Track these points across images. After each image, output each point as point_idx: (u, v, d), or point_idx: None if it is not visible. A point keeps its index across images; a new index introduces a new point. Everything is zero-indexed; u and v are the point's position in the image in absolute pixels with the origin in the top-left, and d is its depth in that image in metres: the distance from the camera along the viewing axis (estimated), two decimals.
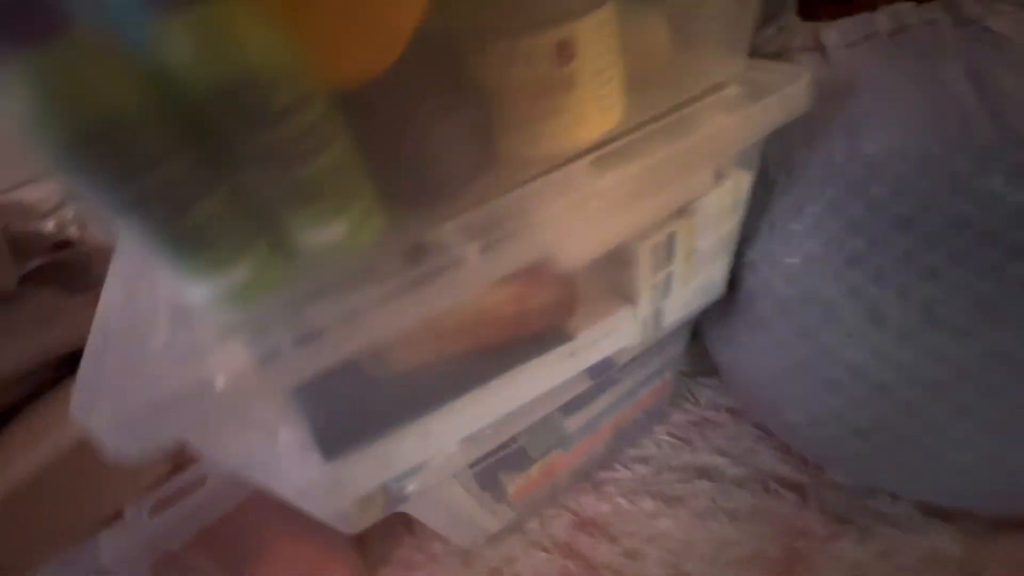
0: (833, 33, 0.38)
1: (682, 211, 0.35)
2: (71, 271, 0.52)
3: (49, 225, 0.52)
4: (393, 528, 0.69)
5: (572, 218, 0.28)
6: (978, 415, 0.39)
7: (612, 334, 0.38)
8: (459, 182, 0.29)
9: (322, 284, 0.26)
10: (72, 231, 0.54)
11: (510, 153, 0.30)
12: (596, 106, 0.29)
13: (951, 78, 0.32)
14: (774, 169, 0.40)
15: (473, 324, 0.30)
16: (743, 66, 0.35)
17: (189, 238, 0.21)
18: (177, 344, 0.24)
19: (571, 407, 0.52)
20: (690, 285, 0.41)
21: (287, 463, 0.30)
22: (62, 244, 0.52)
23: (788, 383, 0.47)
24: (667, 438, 0.73)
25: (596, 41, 0.27)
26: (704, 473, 0.68)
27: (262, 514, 0.47)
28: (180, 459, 0.42)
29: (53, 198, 0.55)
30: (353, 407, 0.30)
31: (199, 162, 0.20)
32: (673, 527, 0.63)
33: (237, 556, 0.45)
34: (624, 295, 0.38)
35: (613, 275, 0.37)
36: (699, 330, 0.78)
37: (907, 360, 0.39)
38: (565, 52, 0.26)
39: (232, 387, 0.22)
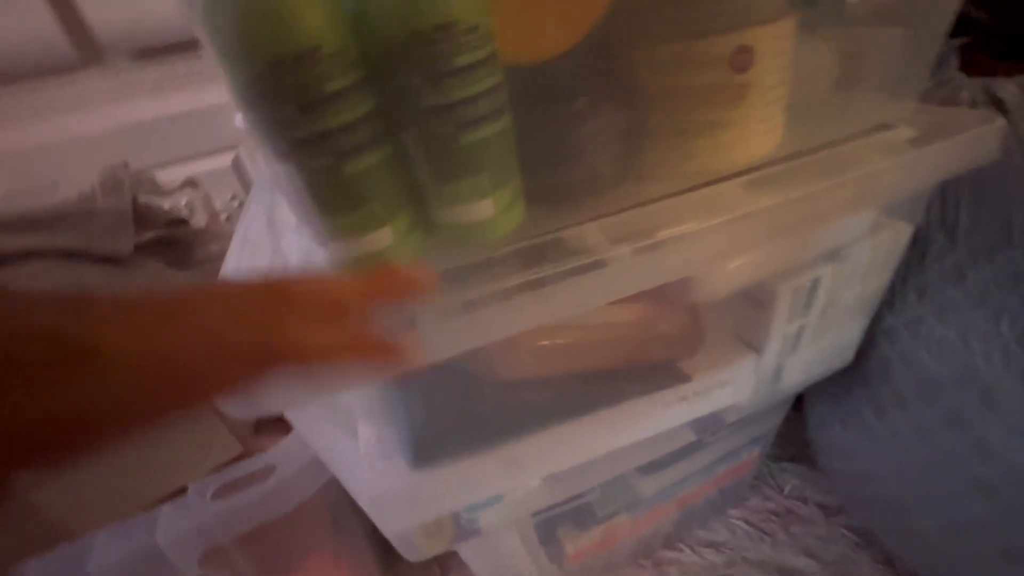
0: (1011, 87, 0.35)
1: (832, 256, 0.31)
2: (178, 248, 0.54)
3: (167, 203, 0.55)
4: (429, 568, 0.64)
5: (722, 238, 0.25)
6: None
7: (729, 384, 0.34)
8: (605, 185, 0.27)
9: (458, 265, 0.24)
10: (185, 212, 0.57)
11: (664, 163, 0.28)
12: (761, 125, 0.27)
13: None
14: (931, 228, 0.36)
15: (594, 340, 0.27)
16: (913, 109, 0.32)
17: (346, 191, 0.20)
18: None
19: (650, 468, 0.47)
20: (819, 344, 0.36)
21: (368, 464, 0.27)
22: (175, 222, 0.55)
23: (923, 480, 0.40)
24: (742, 525, 0.65)
25: (775, 53, 0.25)
26: (786, 574, 0.59)
27: (307, 528, 0.44)
28: (250, 446, 0.40)
29: (177, 181, 0.59)
30: (452, 415, 0.27)
31: (374, 112, 0.19)
32: None
33: (277, 564, 0.42)
34: (750, 343, 0.34)
35: (743, 318, 0.33)
36: (798, 406, 0.71)
37: None
38: (744, 58, 0.24)
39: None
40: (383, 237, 0.21)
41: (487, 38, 0.19)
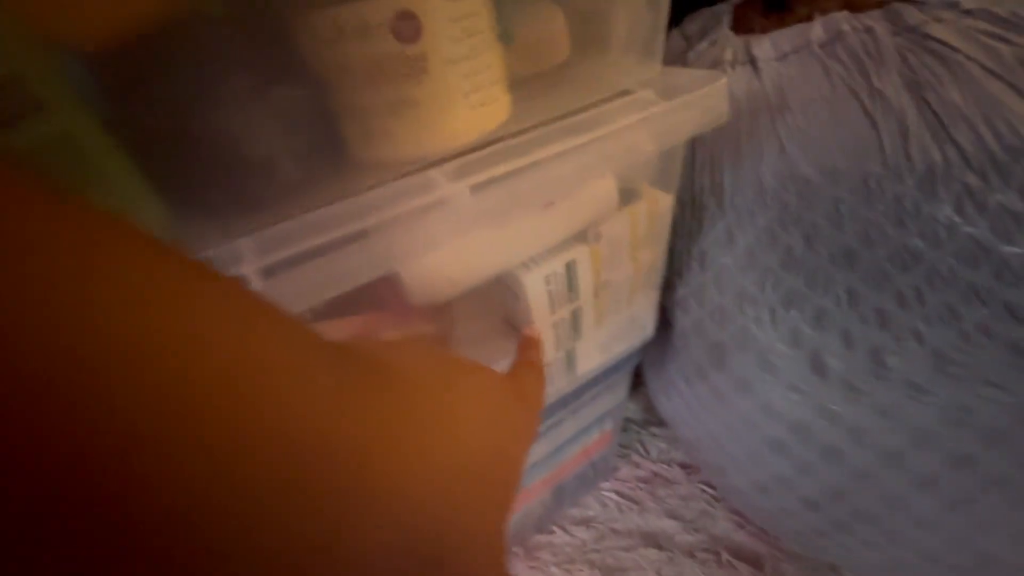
0: (765, 45, 0.34)
1: (584, 236, 0.29)
2: None
3: None
4: None
5: (417, 231, 0.22)
6: (944, 489, 0.33)
7: None
8: (281, 186, 0.23)
9: None
10: None
11: (357, 154, 0.24)
12: (465, 101, 0.24)
13: (890, 91, 0.28)
14: (704, 195, 0.35)
15: None
16: (657, 72, 0.30)
17: None
18: None
19: None
20: (606, 325, 0.35)
21: None
22: None
23: (729, 442, 0.41)
24: (614, 496, 0.65)
25: (450, 18, 0.22)
26: (652, 539, 0.60)
27: None
28: None
29: None
30: None
31: None
32: None
33: None
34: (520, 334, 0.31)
35: (508, 311, 0.31)
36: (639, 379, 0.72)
37: (858, 420, 0.33)
38: (407, 27, 0.21)
39: None
40: None
41: None
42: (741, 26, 0.38)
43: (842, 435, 0.34)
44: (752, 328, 0.34)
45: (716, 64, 0.36)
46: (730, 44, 0.36)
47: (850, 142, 0.29)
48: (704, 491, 0.63)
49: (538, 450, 0.49)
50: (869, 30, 0.29)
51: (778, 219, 0.32)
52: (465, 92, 0.24)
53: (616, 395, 0.52)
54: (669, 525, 0.61)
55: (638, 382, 0.74)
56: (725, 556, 0.56)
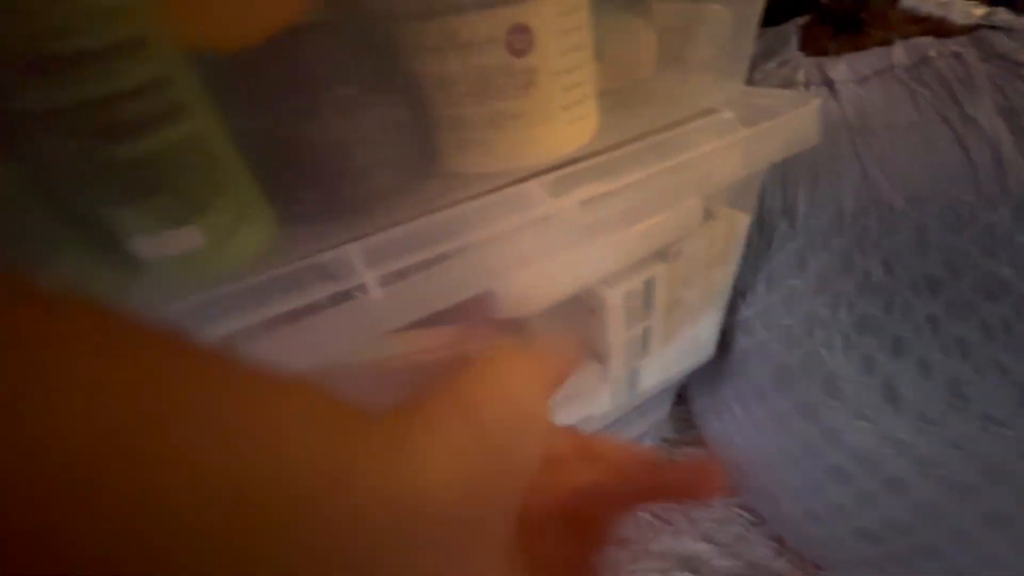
0: (841, 67, 0.34)
1: (663, 254, 0.29)
2: None
3: None
4: None
5: (519, 246, 0.22)
6: (1018, 527, 0.32)
7: (574, 397, 0.31)
8: (379, 194, 0.23)
9: (181, 305, 0.19)
10: None
11: (453, 164, 0.24)
12: (564, 115, 0.24)
13: (983, 117, 0.28)
14: (774, 216, 0.35)
15: (390, 371, 0.23)
16: (739, 92, 0.30)
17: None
18: None
19: None
20: (673, 343, 0.34)
21: None
22: None
23: (785, 468, 0.40)
24: (647, 517, 0.64)
25: (560, 31, 0.22)
26: (687, 563, 0.59)
27: None
28: None
29: None
30: None
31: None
32: None
33: None
34: (592, 352, 0.31)
35: (580, 328, 0.30)
36: (685, 393, 0.71)
37: (929, 452, 0.32)
38: (521, 40, 0.21)
39: None
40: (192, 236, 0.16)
41: (127, 14, 0.14)
42: (810, 47, 0.38)
43: (910, 466, 0.33)
44: (822, 352, 0.33)
45: (788, 85, 0.36)
46: (802, 65, 0.36)
47: (940, 168, 0.28)
48: (740, 515, 0.62)
49: None
50: (957, 56, 0.29)
51: (856, 243, 0.31)
52: (565, 106, 0.24)
53: (660, 411, 0.52)
54: (704, 549, 0.60)
55: (675, 401, 0.73)
56: None
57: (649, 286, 0.29)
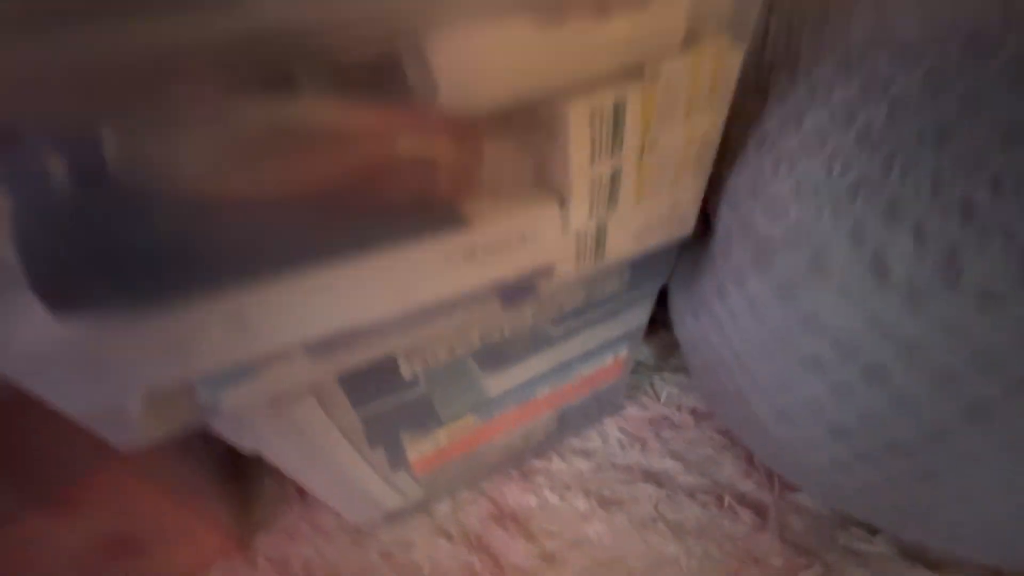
0: None
1: (638, 71, 0.26)
2: None
3: None
4: (285, 492, 0.59)
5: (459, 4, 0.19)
6: (998, 422, 0.29)
7: (530, 240, 0.29)
8: None
9: None
10: None
11: None
12: None
13: None
14: (775, 65, 0.31)
15: (306, 139, 0.21)
16: None
17: None
18: None
19: (490, 361, 0.43)
20: (646, 202, 0.31)
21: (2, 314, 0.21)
22: None
23: (756, 363, 0.38)
24: (617, 433, 0.63)
25: None
26: (652, 477, 0.58)
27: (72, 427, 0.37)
28: None
29: None
30: (110, 235, 0.21)
31: None
32: (604, 533, 0.53)
33: (35, 474, 0.35)
34: (552, 187, 0.28)
35: (536, 156, 0.27)
36: (665, 319, 0.69)
37: (914, 334, 0.29)
38: None
39: None
40: None
41: None
42: None
43: (892, 351, 0.31)
44: (809, 221, 0.30)
45: None
46: None
47: None
48: (712, 438, 0.61)
49: (548, 358, 0.47)
50: None
51: (861, 89, 0.28)
52: None
53: (638, 314, 0.49)
54: (672, 465, 0.59)
55: (654, 327, 0.71)
56: (728, 500, 0.54)
57: (619, 111, 0.26)
